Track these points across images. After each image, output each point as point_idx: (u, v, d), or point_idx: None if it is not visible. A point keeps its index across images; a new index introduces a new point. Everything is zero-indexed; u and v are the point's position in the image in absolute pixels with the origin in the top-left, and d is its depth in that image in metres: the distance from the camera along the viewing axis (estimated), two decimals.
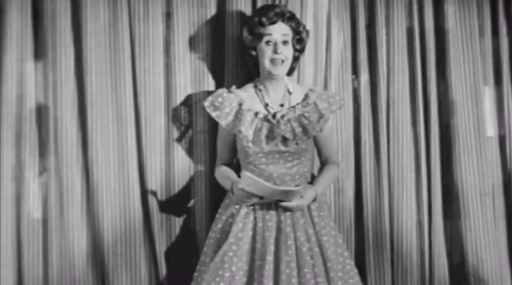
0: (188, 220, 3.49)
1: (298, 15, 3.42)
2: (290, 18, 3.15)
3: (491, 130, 3.72)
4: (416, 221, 3.61)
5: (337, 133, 3.55)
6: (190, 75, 3.47)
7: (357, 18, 3.57)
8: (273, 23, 3.12)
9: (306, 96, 3.22)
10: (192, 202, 3.48)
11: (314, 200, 3.13)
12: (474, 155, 3.63)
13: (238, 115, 3.15)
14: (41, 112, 3.39)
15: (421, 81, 3.62)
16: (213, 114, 3.19)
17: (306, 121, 3.14)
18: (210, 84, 3.46)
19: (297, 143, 3.12)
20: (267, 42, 3.13)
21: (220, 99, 3.20)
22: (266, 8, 3.18)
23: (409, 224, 3.59)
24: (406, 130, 3.61)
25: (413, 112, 3.62)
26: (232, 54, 3.43)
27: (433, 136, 3.62)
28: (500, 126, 3.73)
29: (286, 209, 3.08)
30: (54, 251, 3.38)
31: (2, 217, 3.35)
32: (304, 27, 3.22)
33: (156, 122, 3.45)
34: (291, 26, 3.16)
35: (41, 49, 3.38)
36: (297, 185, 3.11)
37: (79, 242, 3.40)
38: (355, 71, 3.60)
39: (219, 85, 3.41)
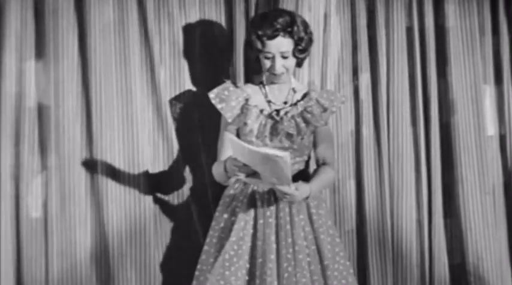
0: (200, 218, 3.49)
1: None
2: (290, 31, 3.06)
3: (491, 129, 3.71)
4: (417, 220, 3.62)
5: (337, 132, 3.56)
6: (199, 73, 3.48)
7: (356, 18, 3.57)
8: (271, 38, 3.05)
9: (308, 94, 3.20)
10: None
11: (307, 198, 3.03)
12: (474, 154, 3.64)
13: (244, 109, 3.15)
14: (42, 111, 3.39)
15: (421, 80, 3.62)
16: (218, 106, 3.16)
17: (309, 115, 3.13)
18: (218, 82, 3.44)
19: (302, 138, 3.12)
20: (266, 57, 3.09)
21: (226, 92, 3.18)
22: (266, 19, 3.08)
23: (409, 223, 3.59)
24: (406, 129, 3.61)
25: (413, 111, 3.63)
26: (239, 53, 3.46)
27: (433, 135, 3.62)
28: (500, 125, 3.73)
29: (285, 200, 2.99)
30: (55, 250, 3.38)
31: (1, 216, 3.34)
32: (306, 33, 3.11)
33: (164, 120, 3.45)
34: (292, 38, 3.07)
35: (43, 48, 3.37)
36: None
37: (82, 242, 3.39)
38: (356, 70, 3.60)
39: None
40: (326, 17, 3.52)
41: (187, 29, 3.47)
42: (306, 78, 3.50)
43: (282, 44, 3.06)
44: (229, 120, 3.14)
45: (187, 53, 3.47)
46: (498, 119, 3.73)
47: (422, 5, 3.61)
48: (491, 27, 3.69)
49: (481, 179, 3.64)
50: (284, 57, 3.08)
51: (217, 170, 3.12)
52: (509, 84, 3.71)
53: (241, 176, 2.92)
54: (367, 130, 3.59)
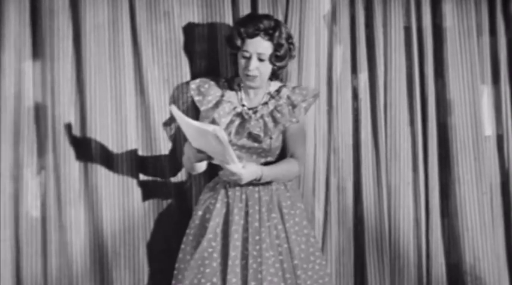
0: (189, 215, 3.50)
1: (298, 16, 3.42)
2: (271, 34, 3.07)
3: (489, 129, 3.72)
4: (414, 219, 3.62)
5: (337, 132, 3.56)
6: (192, 73, 3.48)
7: (355, 17, 3.57)
8: (251, 37, 3.07)
9: (278, 91, 3.22)
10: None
11: (259, 180, 3.05)
12: (472, 154, 3.64)
13: (218, 104, 3.19)
14: (39, 111, 3.39)
15: (418, 79, 3.63)
16: (196, 98, 3.23)
17: (278, 114, 3.15)
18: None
19: (270, 138, 3.13)
20: (243, 56, 3.10)
21: (206, 86, 3.24)
22: (250, 19, 3.11)
23: (406, 223, 3.60)
24: (404, 128, 3.62)
25: (410, 110, 3.63)
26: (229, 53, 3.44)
27: (431, 135, 3.63)
28: (498, 125, 3.74)
29: (232, 179, 3.01)
30: (53, 249, 3.39)
31: (0, 215, 3.34)
32: (288, 42, 3.14)
33: (158, 120, 3.45)
34: (271, 42, 3.09)
35: (39, 48, 3.37)
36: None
37: (78, 241, 3.39)
38: (354, 70, 3.60)
39: None
40: (330, 17, 3.53)
41: (186, 28, 3.47)
42: (311, 79, 3.50)
43: (260, 45, 3.08)
44: (202, 113, 3.18)
45: (185, 52, 3.47)
46: (495, 119, 3.73)
47: (420, 4, 3.62)
48: (488, 27, 3.69)
49: (478, 179, 3.64)
50: (260, 60, 3.09)
51: (184, 158, 3.15)
52: (506, 84, 3.72)
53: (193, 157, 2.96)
54: (365, 130, 3.59)
